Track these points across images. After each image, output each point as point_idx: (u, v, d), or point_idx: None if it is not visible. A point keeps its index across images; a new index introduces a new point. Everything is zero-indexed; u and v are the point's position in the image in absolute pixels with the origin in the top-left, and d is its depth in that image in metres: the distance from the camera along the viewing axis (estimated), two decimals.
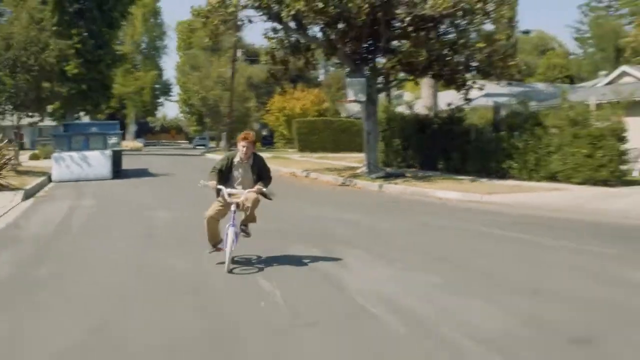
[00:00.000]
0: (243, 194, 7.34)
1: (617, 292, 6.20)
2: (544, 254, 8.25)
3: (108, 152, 22.40)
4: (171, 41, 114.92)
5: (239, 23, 19.87)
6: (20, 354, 4.68)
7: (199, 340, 4.79)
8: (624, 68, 28.73)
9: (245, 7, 18.53)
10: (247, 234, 7.67)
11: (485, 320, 5.27)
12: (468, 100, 21.34)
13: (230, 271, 6.93)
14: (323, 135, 39.34)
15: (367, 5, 16.58)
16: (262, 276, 6.86)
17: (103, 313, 5.63)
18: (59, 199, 15.85)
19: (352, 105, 49.99)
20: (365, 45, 19.80)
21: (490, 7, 18.03)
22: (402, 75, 21.97)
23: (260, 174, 7.58)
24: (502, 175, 18.81)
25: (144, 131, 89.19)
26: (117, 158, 23.11)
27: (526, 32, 67.39)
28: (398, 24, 18.61)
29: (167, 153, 44.01)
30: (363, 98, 19.51)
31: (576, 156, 16.76)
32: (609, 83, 27.43)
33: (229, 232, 7.14)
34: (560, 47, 69.43)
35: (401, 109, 26.99)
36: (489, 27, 19.93)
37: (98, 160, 21.99)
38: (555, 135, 17.56)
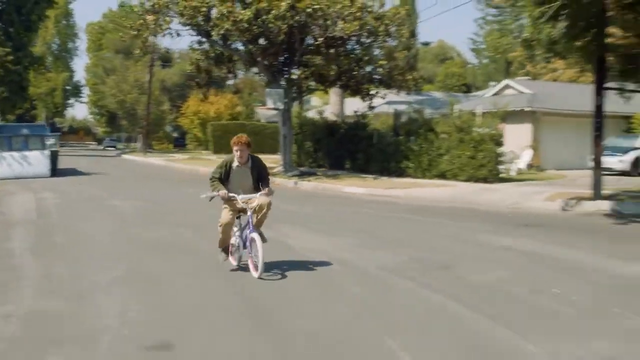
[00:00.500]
0: (257, 199, 7.28)
1: (472, 247, 8.96)
2: (428, 227, 11.33)
3: (47, 152, 23.93)
4: (82, 42, 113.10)
5: (167, 34, 21.65)
6: (86, 283, 6.90)
7: (183, 266, 7.00)
8: (507, 81, 32.56)
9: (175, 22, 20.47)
10: (264, 239, 7.31)
11: (387, 260, 8.08)
12: (372, 107, 24.18)
13: (259, 277, 6.94)
14: None
15: (286, 27, 18.97)
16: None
17: (122, 262, 8.04)
18: (17, 193, 17.41)
19: (264, 110, 52.29)
20: (281, 59, 22.18)
21: (391, 28, 20.86)
22: (313, 85, 24.58)
23: (260, 175, 7.56)
24: (400, 173, 21.65)
25: (52, 132, 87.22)
26: (54, 158, 24.63)
27: (426, 44, 71.86)
28: (312, 42, 21.12)
29: (81, 154, 44.58)
30: (281, 106, 21.91)
31: (461, 158, 19.82)
32: (495, 94, 31.10)
33: (254, 237, 7.08)
34: (458, 56, 74.38)
35: (312, 115, 29.60)
36: (391, 43, 22.84)
37: (38, 160, 23.55)
38: (444, 140, 20.57)
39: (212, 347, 4.79)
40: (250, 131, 42.45)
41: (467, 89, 56.66)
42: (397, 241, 9.66)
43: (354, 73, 22.00)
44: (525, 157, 24.45)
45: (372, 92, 23.37)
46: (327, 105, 31.17)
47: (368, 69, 22.40)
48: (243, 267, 7.43)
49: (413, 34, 34.96)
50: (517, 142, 24.71)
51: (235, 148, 7.32)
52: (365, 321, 5.44)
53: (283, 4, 18.02)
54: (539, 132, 26.06)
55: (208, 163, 31.26)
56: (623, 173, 22.43)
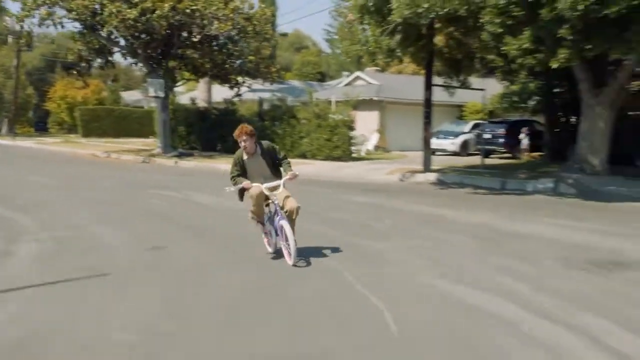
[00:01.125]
0: (281, 185, 7.27)
1: (336, 202, 12.32)
2: (301, 194, 14.38)
3: None
4: None
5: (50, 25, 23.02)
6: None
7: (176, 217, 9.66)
8: (358, 73, 36.79)
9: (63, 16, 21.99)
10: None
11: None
12: (238, 95, 27.17)
13: (294, 264, 6.94)
14: (105, 122, 42.38)
15: (166, 24, 21.38)
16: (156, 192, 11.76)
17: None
18: None
19: (129, 95, 53.25)
20: (160, 51, 24.44)
21: (258, 28, 23.92)
22: (187, 75, 27.14)
23: (275, 158, 7.45)
24: None
25: None
26: None
27: (284, 35, 75.39)
28: (189, 37, 23.65)
29: None
30: (162, 94, 24.27)
31: (319, 140, 23.38)
32: (347, 84, 35.19)
33: (283, 224, 7.03)
34: (314, 45, 78.51)
35: (184, 101, 31.99)
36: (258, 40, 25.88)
37: None
38: (305, 125, 24.04)
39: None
40: (118, 116, 43.72)
41: (322, 77, 60.72)
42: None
43: (226, 66, 24.85)
44: (373, 140, 28.61)
45: (239, 81, 26.34)
46: (192, 92, 33.65)
47: (238, 62, 25.30)
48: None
49: (273, 27, 38.15)
50: (366, 127, 28.80)
51: (240, 140, 7.20)
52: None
53: (166, 5, 20.43)
54: (385, 119, 30.38)
55: (83, 146, 32.55)
56: (455, 154, 27.12)
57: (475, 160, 22.08)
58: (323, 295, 5.95)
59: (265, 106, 27.61)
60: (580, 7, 10.74)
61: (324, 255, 7.60)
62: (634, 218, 11.21)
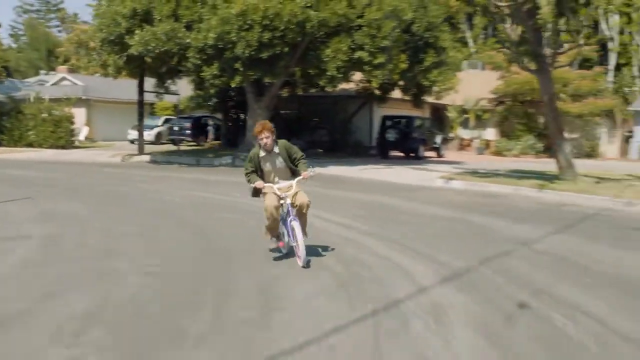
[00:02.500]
0: (294, 185, 7.16)
1: (98, 173, 18.51)
2: (61, 171, 20.00)
3: None
4: None
5: None
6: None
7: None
8: (64, 74, 41.19)
9: None
10: (306, 234, 7.16)
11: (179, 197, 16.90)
12: None
13: (304, 265, 6.85)
14: None
15: None
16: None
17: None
18: None
19: None
20: None
21: None
22: None
23: (291, 156, 7.35)
24: None
25: None
26: None
27: None
28: None
29: None
30: None
31: (45, 132, 28.31)
32: (54, 84, 39.49)
33: (294, 226, 6.99)
34: None
35: None
36: None
37: None
38: (31, 119, 28.66)
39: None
40: None
41: (7, 71, 61.29)
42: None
43: None
44: (83, 132, 33.98)
45: None
46: None
47: None
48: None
49: None
50: (78, 121, 34.03)
51: (260, 136, 7.17)
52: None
53: None
54: (92, 114, 35.85)
55: None
56: (151, 143, 34.00)
57: (171, 147, 29.47)
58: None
59: None
60: (247, 51, 18.88)
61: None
62: None
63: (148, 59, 22.57)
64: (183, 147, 30.29)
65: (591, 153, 35.05)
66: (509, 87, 34.47)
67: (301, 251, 6.87)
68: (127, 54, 19.70)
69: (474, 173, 19.02)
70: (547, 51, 17.30)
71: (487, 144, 36.34)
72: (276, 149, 7.28)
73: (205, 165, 22.93)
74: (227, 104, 31.34)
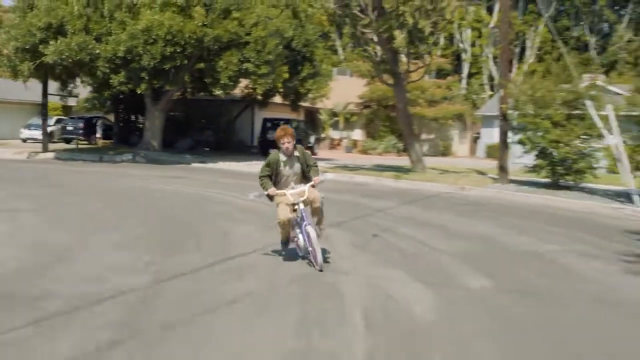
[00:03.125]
0: (306, 190, 7.37)
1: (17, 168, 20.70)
2: None
3: None
4: None
5: None
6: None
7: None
8: None
9: None
10: (319, 234, 7.38)
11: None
12: None
13: (321, 269, 7.03)
14: None
15: None
16: None
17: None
18: None
19: None
20: None
21: None
22: None
23: (306, 163, 7.60)
24: None
25: None
26: None
27: None
28: None
29: None
30: None
31: None
32: None
33: (308, 230, 7.18)
34: None
35: None
36: None
37: None
38: None
39: None
40: None
41: None
42: None
43: None
44: None
45: None
46: None
47: None
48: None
49: None
50: None
51: (283, 140, 7.38)
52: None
53: None
54: None
55: None
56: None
57: (65, 146, 31.44)
58: None
59: None
60: (152, 63, 21.81)
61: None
62: (177, 172, 22.89)
63: (62, 67, 24.50)
64: (80, 146, 32.22)
65: (445, 152, 40.82)
66: (373, 93, 39.42)
67: (318, 256, 7.06)
68: (40, 61, 21.97)
69: (344, 167, 23.24)
70: (402, 69, 21.89)
71: (354, 143, 41.13)
72: (296, 153, 7.58)
73: (109, 160, 25.40)
74: (118, 106, 33.59)
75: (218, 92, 24.41)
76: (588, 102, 16.12)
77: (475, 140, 42.23)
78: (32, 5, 22.42)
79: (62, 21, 21.67)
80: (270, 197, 7.43)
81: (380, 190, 17.23)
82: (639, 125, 16.12)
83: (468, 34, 52.78)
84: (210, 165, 24.30)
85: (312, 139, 34.56)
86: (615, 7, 56.55)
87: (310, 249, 7.20)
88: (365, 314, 5.54)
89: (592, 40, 56.31)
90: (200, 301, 5.77)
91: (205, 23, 22.51)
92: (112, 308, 5.45)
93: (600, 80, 33.16)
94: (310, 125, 38.21)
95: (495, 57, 47.64)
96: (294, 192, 7.38)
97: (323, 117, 41.02)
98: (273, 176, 7.49)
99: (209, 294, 6.07)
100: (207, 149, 32.44)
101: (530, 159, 17.94)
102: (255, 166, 23.66)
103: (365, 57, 25.99)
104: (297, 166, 7.57)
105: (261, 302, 5.85)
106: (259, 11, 23.49)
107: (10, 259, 7.25)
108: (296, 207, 7.36)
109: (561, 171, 17.10)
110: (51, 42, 21.42)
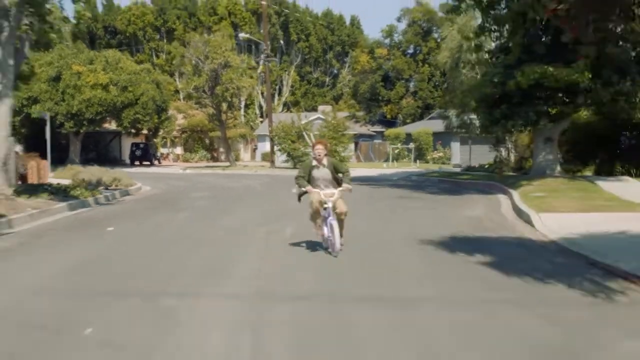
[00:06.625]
0: (336, 193, 8.89)
1: None
2: None
3: None
4: None
5: None
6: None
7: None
8: None
9: None
10: (341, 243, 8.83)
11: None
12: None
13: (336, 256, 8.64)
14: None
15: None
16: None
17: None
18: None
19: None
20: None
21: None
22: None
23: (338, 170, 9.23)
24: None
25: None
26: None
27: None
28: None
29: None
30: None
31: None
32: None
33: (332, 223, 8.68)
34: None
35: None
36: None
37: None
38: None
39: None
40: None
41: None
42: None
43: None
44: None
45: None
46: None
47: None
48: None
49: None
50: None
51: (317, 147, 9.18)
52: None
53: None
54: None
55: None
56: None
57: None
58: None
59: None
60: (88, 115, 41.79)
61: None
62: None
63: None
64: None
65: (237, 157, 64.10)
66: (190, 123, 61.23)
67: (336, 244, 8.68)
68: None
69: (186, 168, 45.24)
70: (223, 117, 44.74)
71: (178, 156, 62.54)
72: (325, 162, 9.15)
73: None
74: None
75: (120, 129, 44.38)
76: (305, 132, 40.28)
77: (254, 150, 65.97)
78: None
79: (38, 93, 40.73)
80: (303, 194, 9.26)
81: (219, 174, 39.59)
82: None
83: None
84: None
85: (158, 154, 55.49)
86: (339, 57, 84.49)
87: (330, 237, 8.78)
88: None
89: (326, 79, 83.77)
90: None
91: (115, 94, 42.86)
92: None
93: (330, 107, 59.45)
94: (152, 145, 58.97)
95: (262, 92, 71.42)
96: (325, 193, 8.92)
97: (157, 140, 61.81)
98: (306, 178, 9.16)
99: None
100: (92, 163, 51.70)
101: (284, 158, 41.80)
102: (134, 169, 44.30)
103: (202, 110, 48.13)
104: (326, 171, 9.15)
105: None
106: (142, 87, 44.44)
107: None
108: (325, 205, 8.87)
109: (297, 161, 41.01)
110: (32, 107, 40.35)
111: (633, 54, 17.80)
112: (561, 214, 12.68)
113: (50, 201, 15.78)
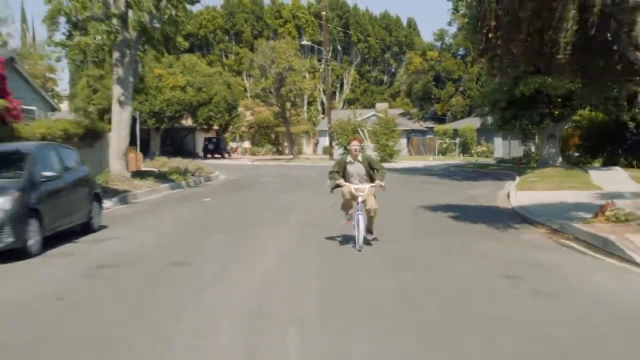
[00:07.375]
0: (367, 189, 9.40)
1: None
2: None
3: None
4: None
5: None
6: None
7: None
8: None
9: None
10: (369, 241, 9.62)
11: None
12: None
13: (359, 249, 9.27)
14: None
15: None
16: None
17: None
18: None
19: None
20: None
21: None
22: None
23: (372, 166, 9.69)
24: None
25: None
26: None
27: None
28: None
29: None
30: None
31: None
32: None
33: (359, 219, 9.22)
34: None
35: None
36: None
37: None
38: None
39: None
40: None
41: None
42: None
43: None
44: None
45: None
46: None
47: None
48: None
49: None
50: None
51: (352, 143, 9.63)
52: None
53: None
54: None
55: None
56: None
57: None
58: None
59: None
60: (169, 114, 47.62)
61: None
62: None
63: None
64: None
65: (300, 151, 69.23)
66: (257, 119, 66.78)
67: (360, 239, 9.23)
68: None
69: (254, 160, 50.48)
70: (287, 115, 49.91)
71: (246, 149, 68.22)
72: (360, 158, 9.64)
73: None
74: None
75: (195, 125, 50.25)
76: (359, 128, 44.82)
77: (315, 144, 70.96)
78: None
79: None
80: (336, 187, 9.72)
81: (284, 165, 44.61)
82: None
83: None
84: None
85: (228, 147, 61.26)
86: (396, 57, 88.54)
87: (356, 231, 9.27)
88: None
89: (384, 77, 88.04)
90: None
91: (192, 94, 48.59)
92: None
93: (386, 104, 63.77)
94: (223, 139, 64.84)
95: (324, 91, 76.28)
96: (357, 187, 9.44)
97: (227, 135, 67.65)
98: (340, 172, 9.71)
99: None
100: (171, 155, 57.86)
101: (341, 151, 46.44)
102: (209, 161, 50.04)
103: (269, 109, 53.35)
104: (360, 167, 9.63)
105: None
106: (215, 88, 50.04)
107: None
108: (357, 200, 9.38)
109: None
110: None
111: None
112: (535, 192, 16.95)
113: (156, 182, 21.15)
